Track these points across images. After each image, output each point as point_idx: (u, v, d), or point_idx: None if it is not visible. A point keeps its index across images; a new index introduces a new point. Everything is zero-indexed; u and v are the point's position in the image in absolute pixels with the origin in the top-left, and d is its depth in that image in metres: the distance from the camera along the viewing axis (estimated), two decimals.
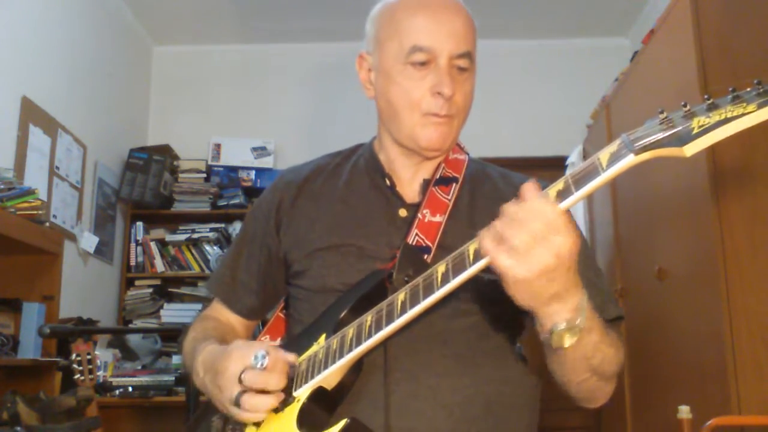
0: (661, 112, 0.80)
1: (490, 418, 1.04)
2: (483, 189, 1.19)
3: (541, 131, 4.41)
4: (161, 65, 4.73)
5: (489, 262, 0.84)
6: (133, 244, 4.16)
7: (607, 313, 1.10)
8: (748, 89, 0.76)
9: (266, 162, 4.38)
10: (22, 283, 2.79)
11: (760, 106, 0.74)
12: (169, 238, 4.20)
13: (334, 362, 0.98)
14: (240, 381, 0.97)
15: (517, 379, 1.10)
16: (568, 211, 0.83)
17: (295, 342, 1.13)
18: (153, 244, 4.16)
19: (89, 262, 3.70)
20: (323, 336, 1.05)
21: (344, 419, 0.93)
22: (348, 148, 1.31)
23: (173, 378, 3.43)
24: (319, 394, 0.99)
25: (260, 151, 4.40)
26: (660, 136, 0.79)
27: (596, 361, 0.96)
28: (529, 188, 0.84)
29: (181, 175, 4.28)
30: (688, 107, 0.78)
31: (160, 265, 4.14)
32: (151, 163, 4.11)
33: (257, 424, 1.02)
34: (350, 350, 0.97)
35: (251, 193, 4.33)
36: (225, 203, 4.26)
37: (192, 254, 4.19)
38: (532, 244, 0.81)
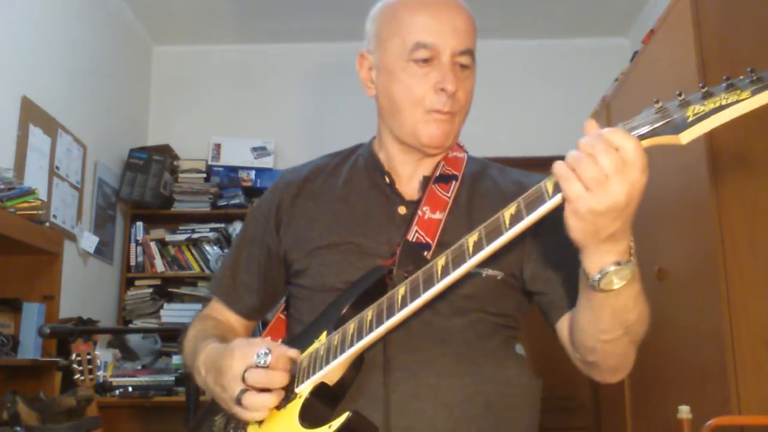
0: (656, 102, 0.81)
1: (490, 418, 1.04)
2: (482, 186, 1.20)
3: (541, 131, 4.40)
4: (161, 65, 4.73)
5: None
6: (133, 244, 4.16)
7: None
8: (742, 77, 0.77)
9: (266, 162, 4.38)
10: (22, 283, 2.79)
11: (753, 93, 0.75)
12: (169, 238, 4.20)
13: (335, 357, 0.98)
14: (243, 379, 0.97)
15: (518, 378, 1.10)
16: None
17: (297, 340, 1.13)
18: (153, 244, 4.16)
19: (89, 262, 3.70)
20: (324, 333, 1.06)
21: (346, 413, 0.93)
22: (347, 148, 1.31)
23: (173, 378, 3.43)
24: (321, 389, 0.99)
25: (260, 151, 4.41)
26: (656, 124, 0.79)
27: (634, 316, 0.95)
28: (594, 125, 0.83)
29: (181, 175, 4.28)
30: (683, 96, 0.78)
31: (160, 265, 4.14)
32: (151, 163, 4.11)
33: (260, 422, 1.03)
34: (351, 345, 0.97)
35: (251, 193, 4.33)
36: (225, 203, 4.26)
37: (192, 254, 4.19)
38: (607, 177, 0.78)
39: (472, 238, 0.89)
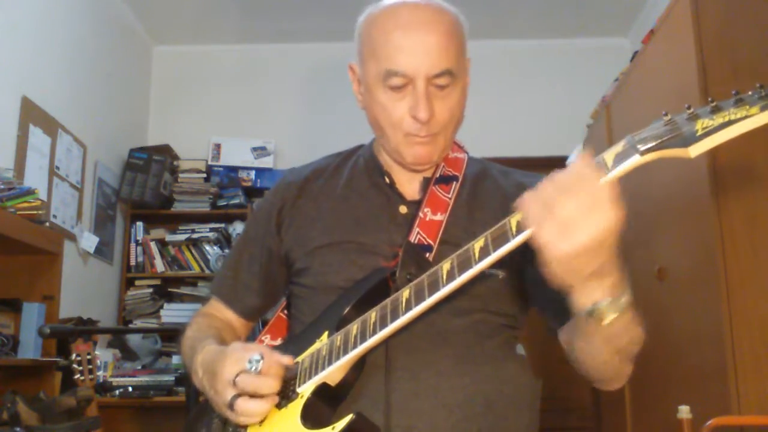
0: (665, 115, 0.81)
1: (491, 417, 1.04)
2: (483, 186, 1.20)
3: (541, 131, 4.41)
4: (161, 65, 4.73)
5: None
6: (133, 244, 4.16)
7: None
8: (750, 92, 0.77)
9: (266, 162, 4.38)
10: (22, 283, 2.79)
11: (762, 109, 0.75)
12: (169, 238, 4.20)
13: (338, 358, 0.99)
14: (234, 384, 0.98)
15: (518, 378, 1.10)
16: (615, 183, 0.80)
17: (298, 339, 1.13)
18: (153, 244, 4.16)
19: (89, 262, 3.70)
20: (326, 333, 1.06)
21: (350, 414, 0.93)
22: (348, 149, 1.32)
23: (173, 378, 3.43)
24: (322, 390, 0.99)
25: (260, 151, 4.41)
26: (665, 137, 0.80)
27: (625, 341, 0.96)
28: (583, 157, 0.82)
29: (181, 175, 4.28)
30: (692, 109, 0.79)
31: (160, 265, 4.14)
32: (151, 163, 4.12)
33: (261, 421, 1.03)
34: (355, 347, 0.97)
35: (251, 193, 4.33)
36: (225, 203, 4.26)
37: (192, 254, 4.19)
38: (578, 217, 0.78)
39: (478, 244, 0.89)
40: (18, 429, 2.13)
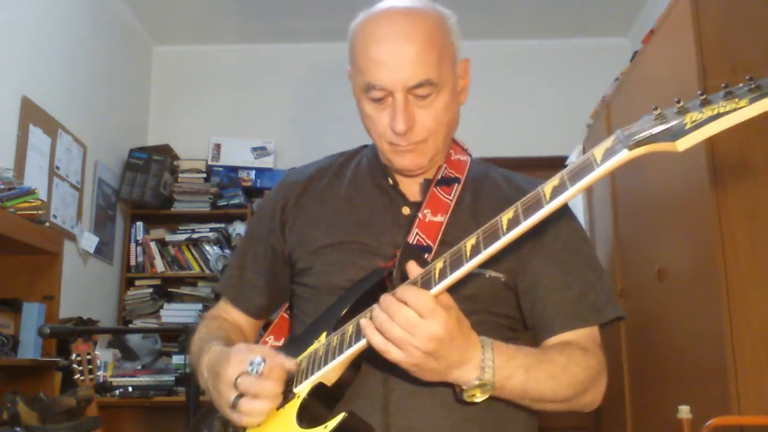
0: (655, 109, 0.81)
1: (489, 418, 1.04)
2: (486, 190, 1.19)
3: (541, 131, 4.41)
4: (161, 65, 4.73)
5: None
6: (133, 244, 4.16)
7: (604, 315, 1.11)
8: (741, 85, 0.77)
9: (266, 162, 4.38)
10: (22, 283, 2.79)
11: (751, 101, 0.75)
12: (169, 238, 4.20)
13: (333, 358, 0.99)
14: (236, 386, 0.98)
15: None
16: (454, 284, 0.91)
17: (298, 340, 1.13)
18: (153, 244, 4.16)
19: (89, 262, 3.70)
20: (324, 334, 1.06)
21: (342, 413, 0.94)
22: (352, 149, 1.32)
23: (173, 378, 3.43)
24: (319, 390, 1.00)
25: (260, 151, 4.41)
26: (653, 131, 0.80)
27: (534, 395, 1.00)
28: (410, 268, 0.96)
29: (181, 175, 4.28)
30: (681, 103, 0.79)
31: (160, 265, 4.14)
32: (151, 163, 4.12)
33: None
34: (349, 346, 0.97)
35: (251, 193, 4.33)
36: (225, 203, 4.26)
37: (192, 254, 4.19)
38: (406, 336, 0.89)
39: (470, 242, 0.91)
40: (18, 429, 2.13)
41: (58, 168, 3.34)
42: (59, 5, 3.48)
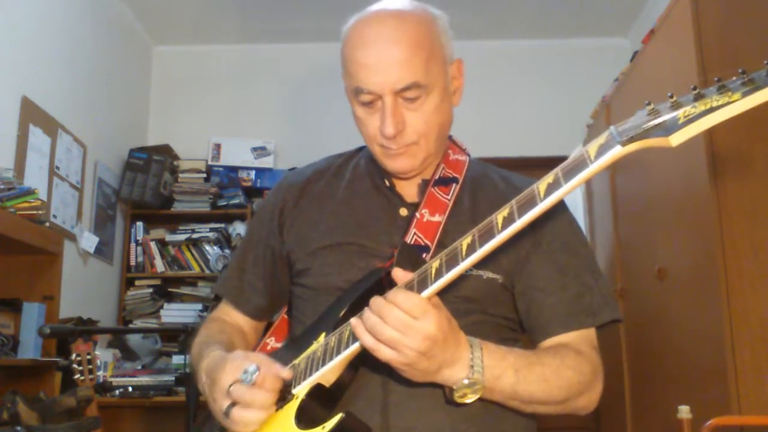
0: (648, 104, 0.81)
1: (488, 418, 1.04)
2: (484, 190, 1.19)
3: (541, 131, 4.41)
4: (161, 65, 4.73)
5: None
6: (133, 244, 4.16)
7: (600, 317, 1.11)
8: (734, 78, 0.76)
9: (266, 162, 4.38)
10: (22, 283, 2.79)
11: (744, 95, 0.74)
12: (169, 238, 4.20)
13: (331, 359, 0.99)
14: (229, 393, 0.98)
15: None
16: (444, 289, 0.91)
17: (298, 341, 1.13)
18: (153, 244, 4.16)
19: (89, 262, 3.70)
20: (323, 334, 1.06)
21: (339, 414, 0.94)
22: (350, 150, 1.31)
23: (173, 378, 3.43)
24: (317, 391, 1.00)
25: (260, 151, 4.41)
26: (646, 126, 0.79)
27: (525, 397, 1.00)
28: (396, 275, 0.96)
29: (181, 175, 4.28)
30: (675, 98, 0.78)
31: (160, 265, 4.14)
32: (151, 163, 4.11)
33: None
34: (347, 347, 0.97)
35: (251, 193, 4.33)
36: (225, 203, 4.26)
37: (192, 254, 4.19)
38: (399, 336, 0.89)
39: (465, 241, 0.91)
40: (18, 429, 2.13)
41: (58, 168, 3.34)
42: (59, 5, 3.48)
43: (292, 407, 0.99)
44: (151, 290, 4.09)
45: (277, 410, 1.00)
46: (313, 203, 1.22)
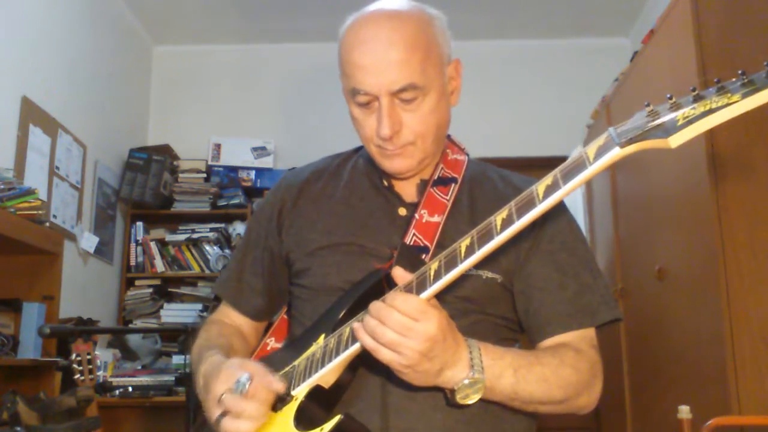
0: (648, 105, 0.80)
1: (487, 419, 1.04)
2: (483, 190, 1.19)
3: (541, 131, 4.41)
4: (161, 65, 4.73)
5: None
6: (133, 244, 4.16)
7: (600, 317, 1.10)
8: (733, 80, 0.76)
9: (266, 162, 4.38)
10: (22, 283, 2.79)
11: (744, 96, 0.74)
12: (169, 238, 4.20)
13: (330, 361, 0.99)
14: (220, 402, 0.97)
15: None
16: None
17: (297, 342, 1.13)
18: (153, 244, 4.16)
19: (89, 262, 3.70)
20: (322, 336, 1.06)
21: (338, 415, 0.94)
22: (349, 150, 1.31)
23: (173, 378, 3.43)
24: (316, 392, 1.00)
25: (260, 151, 4.41)
26: (645, 128, 0.79)
27: (525, 397, 1.00)
28: (396, 274, 0.96)
29: (181, 175, 4.28)
30: (674, 99, 0.78)
31: (160, 265, 4.14)
32: (151, 163, 4.11)
33: None
34: (346, 348, 0.97)
35: (251, 193, 4.33)
36: (225, 203, 4.26)
37: (192, 254, 4.19)
38: (400, 338, 0.89)
39: (464, 242, 0.91)
40: (18, 429, 2.13)
41: (58, 168, 3.34)
42: (59, 5, 3.48)
43: (291, 409, 0.99)
44: (151, 290, 4.09)
45: (276, 411, 1.00)
46: (311, 203, 1.22)
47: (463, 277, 0.96)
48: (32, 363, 2.66)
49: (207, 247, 4.17)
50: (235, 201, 4.25)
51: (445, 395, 0.99)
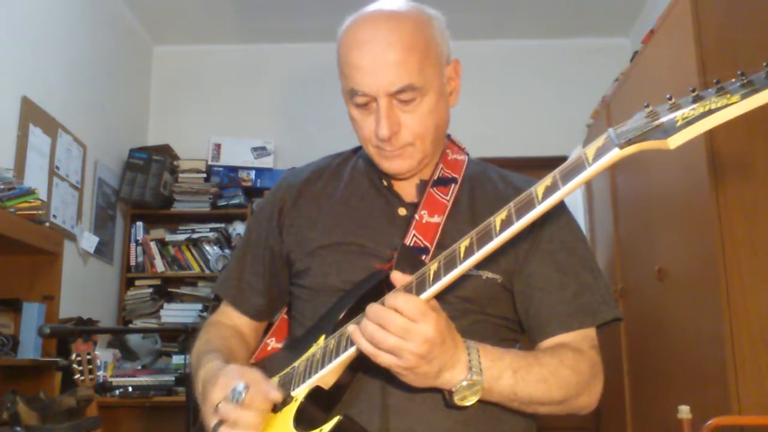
0: (647, 106, 0.80)
1: (487, 419, 1.04)
2: (483, 190, 1.19)
3: (541, 131, 4.41)
4: (161, 65, 4.73)
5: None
6: (133, 244, 4.16)
7: (600, 317, 1.10)
8: (733, 80, 0.76)
9: (266, 162, 4.38)
10: (22, 283, 2.79)
11: (743, 97, 0.74)
12: (169, 238, 4.20)
13: (330, 361, 0.99)
14: (216, 411, 0.96)
15: None
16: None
17: (297, 343, 1.13)
18: (153, 244, 4.16)
19: (89, 262, 3.70)
20: (323, 337, 1.06)
21: (337, 417, 0.93)
22: (349, 150, 1.31)
23: (173, 378, 3.43)
24: (316, 393, 0.99)
25: (260, 151, 4.41)
26: (644, 129, 0.79)
27: (524, 398, 1.00)
28: (395, 278, 0.96)
29: (181, 175, 4.28)
30: (673, 100, 0.78)
31: (160, 265, 4.14)
32: (151, 163, 4.11)
33: None
34: (346, 349, 0.97)
35: (251, 193, 4.33)
36: (225, 203, 4.26)
37: (192, 254, 4.19)
38: (399, 341, 0.89)
39: (464, 243, 0.91)
40: (18, 429, 2.13)
41: (58, 168, 3.34)
42: (59, 5, 3.48)
43: (290, 409, 0.99)
44: (151, 290, 4.09)
45: (275, 412, 1.00)
46: (311, 203, 1.22)
47: (464, 278, 0.96)
48: (32, 363, 2.66)
49: (207, 247, 4.17)
50: (235, 201, 4.25)
51: (444, 396, 0.99)
